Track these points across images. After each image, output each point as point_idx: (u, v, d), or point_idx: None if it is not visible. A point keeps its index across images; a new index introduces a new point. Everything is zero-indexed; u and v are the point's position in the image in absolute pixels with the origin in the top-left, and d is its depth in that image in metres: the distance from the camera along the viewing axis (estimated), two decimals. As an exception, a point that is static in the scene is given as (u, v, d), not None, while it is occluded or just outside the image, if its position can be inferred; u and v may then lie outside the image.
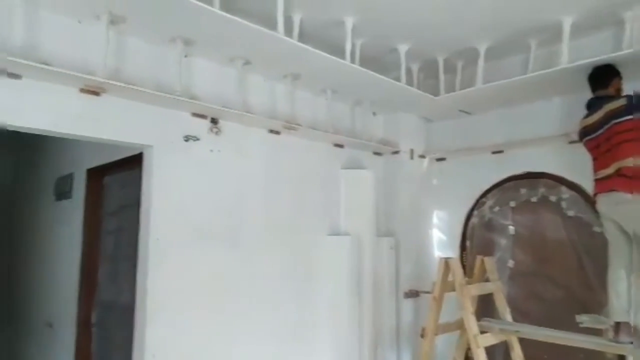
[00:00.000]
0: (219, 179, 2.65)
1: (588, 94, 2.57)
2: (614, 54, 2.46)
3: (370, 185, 3.36)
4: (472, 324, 2.55)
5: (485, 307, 2.96)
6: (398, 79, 3.08)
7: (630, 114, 2.25)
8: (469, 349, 2.72)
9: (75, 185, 3.83)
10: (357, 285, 3.16)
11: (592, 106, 2.48)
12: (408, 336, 3.50)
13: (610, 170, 2.31)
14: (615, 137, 2.28)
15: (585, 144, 2.50)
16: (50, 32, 2.08)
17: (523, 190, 3.24)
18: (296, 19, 2.61)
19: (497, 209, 3.38)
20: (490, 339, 2.62)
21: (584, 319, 2.42)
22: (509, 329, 2.66)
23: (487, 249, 3.34)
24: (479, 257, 2.92)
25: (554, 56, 2.76)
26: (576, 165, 2.80)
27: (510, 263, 3.26)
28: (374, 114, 3.70)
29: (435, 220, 3.79)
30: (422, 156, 3.78)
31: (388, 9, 2.59)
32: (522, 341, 2.73)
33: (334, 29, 2.76)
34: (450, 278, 2.74)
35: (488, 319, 2.80)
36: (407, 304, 3.53)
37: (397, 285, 3.51)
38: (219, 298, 2.59)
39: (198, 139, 2.57)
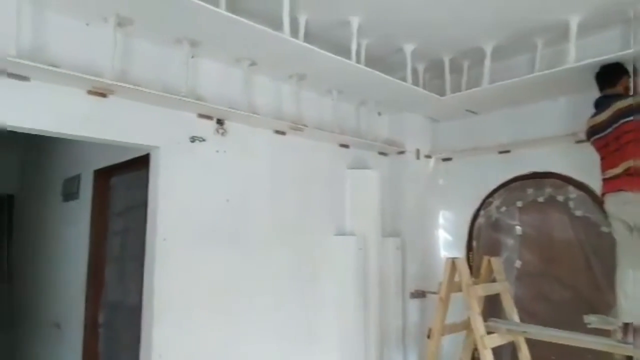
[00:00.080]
0: (225, 180, 2.66)
1: (595, 93, 2.56)
2: (621, 53, 2.44)
3: (375, 186, 3.36)
4: (479, 325, 2.54)
5: (492, 308, 2.94)
6: (404, 79, 3.07)
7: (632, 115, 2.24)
8: (475, 349, 2.71)
9: (83, 186, 3.85)
10: (363, 285, 3.16)
11: (599, 105, 2.46)
12: (414, 337, 3.49)
13: (618, 170, 2.29)
14: (624, 136, 2.27)
15: (593, 143, 2.49)
16: (58, 35, 2.10)
17: (530, 190, 3.23)
18: (302, 19, 2.61)
19: (503, 209, 3.36)
20: (497, 340, 2.60)
21: (592, 320, 2.40)
22: (516, 330, 2.65)
23: (494, 249, 3.33)
24: (485, 258, 2.91)
25: (560, 55, 2.75)
26: (583, 165, 2.78)
27: (518, 263, 3.24)
28: (380, 114, 3.70)
29: (441, 220, 3.78)
30: (428, 156, 3.77)
31: (394, 9, 2.59)
32: (530, 342, 2.71)
33: (340, 29, 2.76)
34: (456, 278, 2.73)
35: (495, 319, 2.78)
36: (413, 305, 3.52)
37: (403, 286, 3.50)
38: (225, 298, 2.60)
39: (204, 140, 2.58)
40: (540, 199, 3.17)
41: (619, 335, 2.30)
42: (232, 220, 2.66)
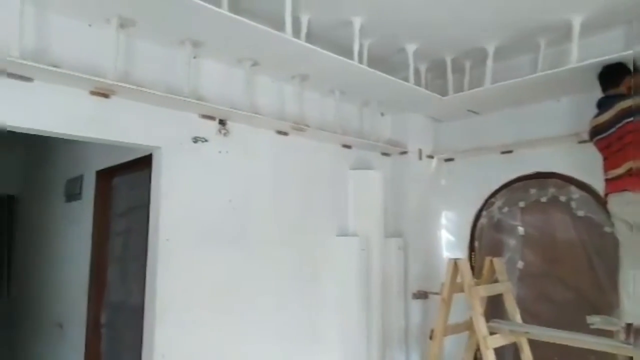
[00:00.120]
0: (227, 180, 2.66)
1: (598, 94, 2.55)
2: (625, 53, 2.43)
3: (378, 186, 3.36)
4: (481, 325, 2.53)
5: (494, 309, 2.94)
6: (406, 79, 3.07)
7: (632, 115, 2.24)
8: (478, 350, 2.71)
9: (85, 186, 3.86)
10: (366, 286, 3.16)
11: (602, 105, 2.46)
12: (416, 337, 3.49)
13: (621, 170, 2.29)
14: (627, 136, 2.26)
15: (596, 144, 2.48)
16: (60, 36, 2.10)
17: (532, 191, 3.22)
18: (304, 19, 2.61)
19: (506, 209, 3.36)
20: (499, 340, 2.60)
21: (595, 320, 2.40)
22: (519, 330, 2.64)
23: (496, 250, 3.32)
24: (488, 258, 2.90)
25: (563, 55, 2.74)
26: (586, 165, 2.78)
27: (520, 264, 3.24)
28: (382, 114, 3.70)
29: (443, 220, 3.78)
30: (431, 156, 3.77)
31: (396, 9, 2.59)
32: (532, 343, 2.71)
33: (342, 29, 2.76)
34: (459, 279, 2.73)
35: (497, 320, 2.78)
36: (416, 305, 3.52)
37: (406, 286, 3.50)
38: (227, 298, 2.60)
39: (206, 141, 2.58)
40: (543, 200, 3.16)
41: (622, 336, 2.30)
42: (234, 220, 2.67)
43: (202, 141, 2.56)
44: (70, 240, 4.04)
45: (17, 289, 5.38)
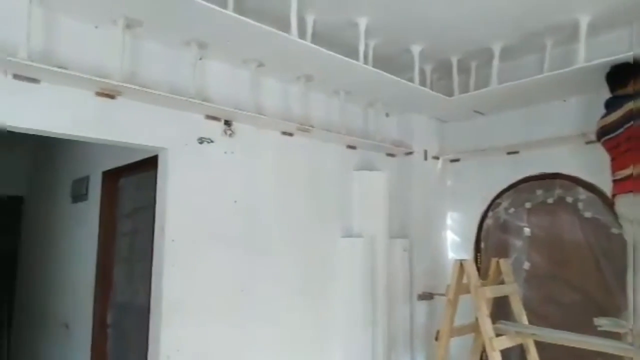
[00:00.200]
0: (232, 181, 2.66)
1: (605, 94, 2.53)
2: (631, 53, 2.41)
3: (383, 187, 3.35)
4: (487, 327, 2.52)
5: (500, 310, 2.92)
6: (411, 80, 3.06)
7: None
8: (484, 352, 2.69)
9: (91, 187, 3.88)
10: (371, 287, 3.15)
11: (610, 105, 2.44)
12: (422, 339, 3.48)
13: (629, 171, 2.27)
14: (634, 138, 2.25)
15: (604, 144, 2.46)
16: (68, 37, 2.12)
17: (539, 192, 3.20)
18: (309, 20, 2.62)
19: (512, 210, 3.34)
20: (505, 342, 2.58)
21: (602, 322, 2.38)
22: (525, 332, 2.62)
23: (502, 251, 3.31)
24: (494, 260, 2.89)
25: (569, 55, 2.73)
26: (593, 166, 2.76)
27: (526, 265, 3.22)
28: (387, 115, 3.69)
29: (449, 221, 3.76)
30: (436, 157, 3.76)
31: (401, 10, 2.58)
32: (539, 344, 2.69)
33: (347, 30, 2.76)
34: (464, 280, 2.71)
35: (504, 321, 2.76)
36: (421, 306, 3.51)
37: (411, 288, 3.48)
38: (232, 299, 2.60)
39: (212, 141, 2.58)
40: (550, 201, 3.14)
41: (630, 338, 2.28)
42: (239, 221, 2.67)
43: (208, 142, 2.57)
44: (77, 241, 4.06)
45: (23, 289, 5.41)
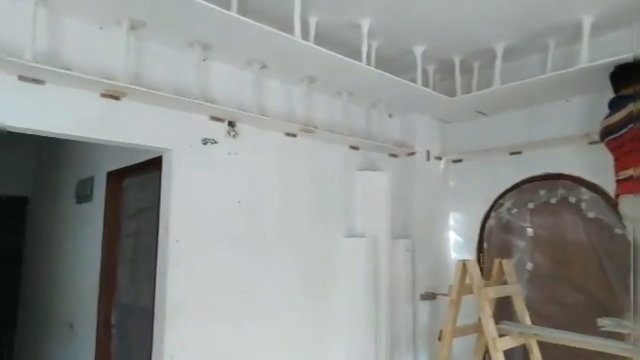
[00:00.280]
0: (236, 181, 2.67)
1: (608, 94, 2.53)
2: (633, 53, 2.41)
3: (386, 187, 3.35)
4: (490, 327, 2.52)
5: (503, 311, 2.92)
6: (414, 81, 3.07)
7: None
8: (487, 352, 2.70)
9: (96, 188, 3.90)
10: (374, 287, 3.16)
11: (614, 105, 2.43)
12: (425, 339, 3.48)
13: (632, 172, 2.27)
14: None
15: (607, 144, 2.46)
16: (72, 39, 2.13)
17: (542, 192, 3.20)
18: (312, 21, 2.62)
19: (515, 210, 3.34)
20: (508, 342, 2.58)
21: (605, 323, 2.37)
22: (528, 332, 2.63)
23: (505, 252, 3.31)
24: (496, 260, 2.89)
25: (572, 55, 2.73)
26: (597, 166, 2.76)
27: (529, 266, 3.22)
28: (390, 115, 3.70)
29: (451, 222, 3.77)
30: (439, 158, 3.76)
31: (404, 11, 2.59)
32: (542, 345, 2.69)
33: (350, 31, 2.76)
34: (467, 280, 2.72)
35: (506, 322, 2.76)
36: (424, 306, 3.51)
37: (414, 288, 3.49)
38: (236, 299, 2.61)
39: (216, 142, 2.60)
40: (553, 201, 3.14)
41: (632, 339, 2.27)
42: (243, 221, 2.68)
43: (212, 143, 2.58)
44: (81, 241, 4.08)
45: (27, 289, 5.44)
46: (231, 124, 2.66)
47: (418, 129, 3.68)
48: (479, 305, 2.60)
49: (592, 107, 2.85)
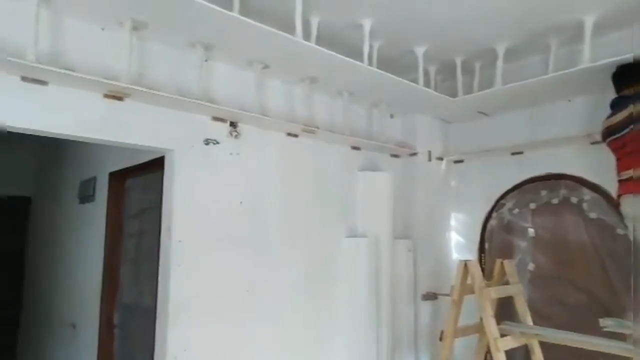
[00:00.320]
0: (238, 182, 2.68)
1: (610, 94, 2.53)
2: (633, 54, 2.40)
3: (387, 188, 3.36)
4: (492, 327, 2.52)
5: (504, 311, 2.92)
6: (415, 81, 3.07)
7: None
8: (488, 352, 2.69)
9: (98, 188, 3.91)
10: (375, 287, 3.16)
11: (616, 105, 2.43)
12: (426, 339, 3.48)
13: (633, 172, 2.27)
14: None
15: (609, 144, 2.46)
16: (75, 39, 2.14)
17: (543, 192, 3.20)
18: (314, 22, 2.63)
19: (516, 211, 3.34)
20: (510, 343, 2.59)
21: (607, 323, 2.37)
22: (530, 332, 2.63)
23: (507, 252, 3.31)
24: (498, 260, 2.89)
25: (574, 55, 2.73)
26: (598, 167, 2.75)
27: (531, 266, 3.22)
28: (391, 116, 3.70)
29: (453, 222, 3.77)
30: (440, 158, 3.76)
31: (405, 11, 2.59)
32: (543, 345, 2.69)
33: (352, 31, 2.77)
34: (469, 281, 2.72)
35: (508, 322, 2.76)
36: (425, 307, 3.51)
37: (415, 288, 3.49)
38: (238, 299, 2.62)
39: (218, 142, 2.60)
40: (554, 201, 3.14)
41: (632, 340, 2.27)
42: (245, 221, 2.69)
43: (214, 143, 2.59)
44: (84, 241, 4.09)
45: (30, 288, 5.46)
46: (233, 125, 2.67)
47: (419, 130, 3.68)
48: (480, 306, 2.60)
49: (594, 107, 2.85)
